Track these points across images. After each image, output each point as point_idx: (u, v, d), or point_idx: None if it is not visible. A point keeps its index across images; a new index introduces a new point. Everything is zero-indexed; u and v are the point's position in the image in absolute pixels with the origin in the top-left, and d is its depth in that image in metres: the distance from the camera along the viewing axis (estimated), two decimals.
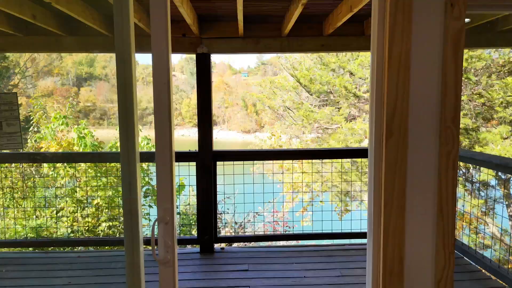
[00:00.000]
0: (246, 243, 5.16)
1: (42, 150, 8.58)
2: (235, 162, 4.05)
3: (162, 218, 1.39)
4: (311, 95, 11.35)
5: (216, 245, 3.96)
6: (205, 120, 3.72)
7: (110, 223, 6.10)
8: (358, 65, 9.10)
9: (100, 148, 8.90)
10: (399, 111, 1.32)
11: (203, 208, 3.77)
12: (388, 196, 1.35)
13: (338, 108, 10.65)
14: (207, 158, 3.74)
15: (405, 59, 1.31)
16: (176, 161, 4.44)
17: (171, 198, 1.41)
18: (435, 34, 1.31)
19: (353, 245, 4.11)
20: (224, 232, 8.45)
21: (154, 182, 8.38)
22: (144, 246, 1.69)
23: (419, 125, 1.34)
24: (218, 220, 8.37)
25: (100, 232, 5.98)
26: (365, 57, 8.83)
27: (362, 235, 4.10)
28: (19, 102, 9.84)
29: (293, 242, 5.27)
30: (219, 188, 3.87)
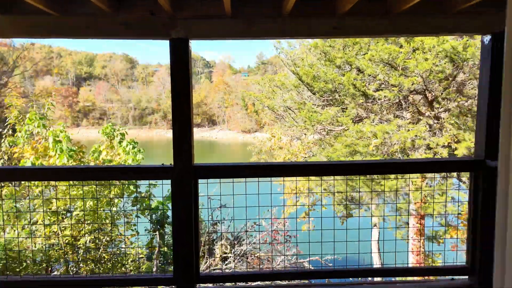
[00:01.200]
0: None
1: (15, 156, 7.71)
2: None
3: None
4: (314, 94, 10.44)
5: (200, 285, 3.11)
6: (181, 125, 2.84)
7: None
8: (368, 61, 8.15)
9: (81, 153, 8.03)
10: None
11: (181, 240, 2.90)
12: None
13: (343, 108, 9.74)
14: (185, 175, 2.87)
15: None
16: (143, 179, 3.61)
17: None
18: None
19: (368, 283, 3.27)
20: (217, 246, 7.64)
21: (142, 189, 7.54)
22: None
23: None
24: (212, 232, 7.55)
25: None
26: (376, 51, 7.90)
27: (386, 272, 3.24)
28: (8, 103, 8.94)
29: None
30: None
